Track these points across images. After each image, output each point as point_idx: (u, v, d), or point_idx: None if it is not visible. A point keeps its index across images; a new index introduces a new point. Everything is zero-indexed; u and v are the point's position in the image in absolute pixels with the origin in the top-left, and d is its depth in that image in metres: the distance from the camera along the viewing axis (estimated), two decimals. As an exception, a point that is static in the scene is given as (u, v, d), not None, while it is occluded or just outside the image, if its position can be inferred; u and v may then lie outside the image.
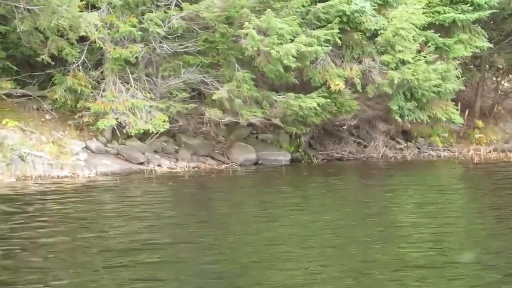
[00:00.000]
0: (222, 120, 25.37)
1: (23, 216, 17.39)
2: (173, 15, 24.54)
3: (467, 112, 30.20)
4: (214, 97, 24.67)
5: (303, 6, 25.25)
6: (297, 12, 25.14)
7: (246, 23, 23.98)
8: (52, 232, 16.00)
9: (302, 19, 25.37)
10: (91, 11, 23.68)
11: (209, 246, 14.06)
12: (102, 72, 24.95)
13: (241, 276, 11.66)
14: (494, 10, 28.82)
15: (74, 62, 24.25)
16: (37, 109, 25.21)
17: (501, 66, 32.85)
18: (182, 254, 13.41)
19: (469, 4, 28.26)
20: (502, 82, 34.11)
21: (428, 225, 15.82)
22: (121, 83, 24.83)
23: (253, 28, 23.85)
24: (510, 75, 33.91)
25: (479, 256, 12.44)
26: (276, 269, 12.14)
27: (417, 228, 15.49)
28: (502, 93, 33.94)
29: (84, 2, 23.73)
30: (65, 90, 24.29)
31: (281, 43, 23.98)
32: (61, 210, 18.48)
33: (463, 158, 29.70)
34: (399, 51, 26.41)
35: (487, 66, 32.72)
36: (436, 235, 14.77)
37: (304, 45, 24.28)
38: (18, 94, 25.08)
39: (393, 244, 14.11)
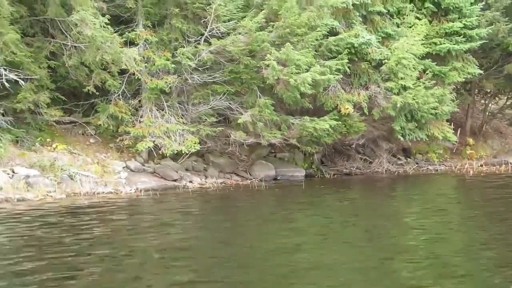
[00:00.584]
0: (246, 141, 25.39)
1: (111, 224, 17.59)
2: (203, 49, 24.56)
3: (459, 131, 30.29)
4: (239, 121, 24.67)
5: (317, 39, 25.29)
6: (311, 45, 25.12)
7: (268, 55, 24.06)
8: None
9: (316, 51, 25.37)
10: (130, 47, 23.89)
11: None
12: (140, 101, 25.08)
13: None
14: (484, 41, 29.24)
15: (115, 92, 24.39)
16: (82, 134, 25.27)
17: (489, 90, 33.02)
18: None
19: (462, 36, 28.67)
20: (490, 105, 34.17)
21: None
22: (157, 109, 24.92)
23: (274, 60, 23.92)
24: (497, 98, 34.02)
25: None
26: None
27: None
28: (489, 114, 34.04)
29: (124, 39, 24.01)
30: (107, 117, 24.38)
31: (298, 73, 24.01)
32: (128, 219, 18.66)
33: (458, 172, 29.84)
34: (401, 78, 26.64)
35: (477, 90, 32.87)
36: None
37: (318, 74, 24.34)
38: (66, 121, 25.06)
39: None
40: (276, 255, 13.09)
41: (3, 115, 23.23)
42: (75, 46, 23.54)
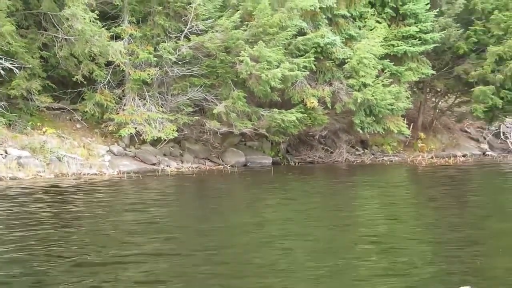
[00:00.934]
0: (219, 130, 25.61)
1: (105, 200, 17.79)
2: (183, 45, 24.72)
3: (411, 126, 30.48)
4: (214, 111, 24.93)
5: (286, 39, 25.46)
6: (282, 43, 25.30)
7: (242, 52, 24.26)
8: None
9: (285, 49, 25.54)
10: (117, 41, 24.07)
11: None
12: (123, 90, 25.10)
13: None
14: (437, 44, 29.41)
15: (101, 82, 24.48)
16: (70, 120, 25.41)
17: (439, 90, 33.24)
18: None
19: (417, 39, 28.82)
20: (440, 102, 34.40)
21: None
22: (139, 99, 25.08)
23: (247, 56, 24.14)
24: (446, 97, 34.35)
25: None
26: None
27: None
28: (439, 111, 34.23)
29: (111, 34, 24.08)
30: (93, 104, 24.54)
31: (269, 68, 24.22)
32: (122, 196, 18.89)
33: (411, 162, 29.84)
34: (362, 76, 26.85)
35: (428, 89, 33.14)
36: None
37: (287, 70, 24.54)
38: (55, 107, 25.21)
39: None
40: (244, 227, 13.39)
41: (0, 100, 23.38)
42: (65, 39, 23.68)
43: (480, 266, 9.76)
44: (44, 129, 24.06)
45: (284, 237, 12.46)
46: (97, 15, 23.50)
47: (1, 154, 22.23)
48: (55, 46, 24.04)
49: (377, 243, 11.73)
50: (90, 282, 9.08)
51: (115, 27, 24.68)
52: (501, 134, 35.83)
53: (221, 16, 25.37)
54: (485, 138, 35.78)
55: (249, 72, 24.39)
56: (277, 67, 24.54)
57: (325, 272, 9.57)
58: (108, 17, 24.94)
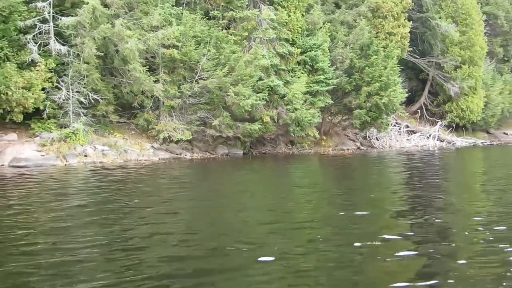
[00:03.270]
0: (214, 135, 26.75)
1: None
2: (194, 86, 26.11)
3: (318, 132, 30.63)
4: (212, 124, 26.17)
5: (253, 82, 26.66)
6: (251, 85, 26.52)
7: (229, 90, 25.68)
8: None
9: (252, 87, 26.65)
10: (157, 83, 25.34)
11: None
12: (159, 112, 26.22)
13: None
14: (334, 86, 30.53)
15: (147, 106, 25.86)
16: (128, 129, 26.45)
17: (333, 111, 32.32)
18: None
19: (323, 83, 30.00)
20: (333, 119, 33.47)
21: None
22: (169, 116, 26.29)
23: (232, 92, 25.56)
24: (337, 116, 33.63)
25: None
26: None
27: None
28: (333, 124, 34.70)
29: (153, 79, 25.20)
30: (143, 120, 25.99)
31: (244, 99, 25.75)
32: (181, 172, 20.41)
33: (323, 153, 30.71)
34: (294, 104, 28.20)
35: (328, 111, 33.17)
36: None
37: (254, 100, 26.21)
38: (120, 121, 26.28)
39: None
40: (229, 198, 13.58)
41: (91, 117, 24.50)
42: (128, 82, 25.08)
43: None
44: (114, 134, 25.31)
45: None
46: (147, 68, 25.07)
47: (92, 148, 23.65)
48: (121, 86, 25.30)
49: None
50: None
51: (156, 75, 25.66)
52: (367, 137, 36.33)
53: (216, 69, 26.14)
54: (358, 140, 36.00)
55: (232, 101, 25.77)
56: (248, 98, 25.91)
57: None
58: (152, 69, 25.80)
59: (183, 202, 12.75)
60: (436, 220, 10.23)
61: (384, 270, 7.04)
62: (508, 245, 7.93)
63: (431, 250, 7.89)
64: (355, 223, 9.85)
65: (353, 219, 10.05)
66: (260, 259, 7.28)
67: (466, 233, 9.06)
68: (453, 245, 8.46)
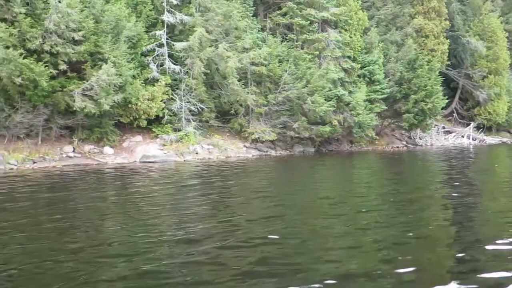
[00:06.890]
0: (294, 136, 26.42)
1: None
2: (278, 96, 25.84)
3: (374, 133, 29.74)
4: (293, 127, 25.76)
5: (325, 93, 26.19)
6: (323, 95, 26.18)
7: (308, 99, 25.60)
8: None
9: (324, 97, 26.16)
10: (249, 94, 25.48)
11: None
12: (250, 117, 25.92)
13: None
14: (387, 94, 30.28)
15: (241, 113, 26.03)
16: (223, 131, 26.51)
17: (384, 116, 31.98)
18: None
19: (379, 92, 29.75)
20: (384, 122, 32.42)
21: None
22: (258, 121, 26.05)
23: (310, 100, 25.56)
24: (388, 119, 32.33)
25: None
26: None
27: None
28: (385, 126, 32.66)
29: (246, 91, 25.22)
30: (237, 124, 26.19)
31: (319, 106, 25.60)
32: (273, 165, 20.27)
33: (380, 150, 29.31)
34: (357, 109, 27.97)
35: (382, 115, 31.57)
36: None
37: (327, 107, 25.95)
38: (219, 125, 26.49)
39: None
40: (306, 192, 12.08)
41: (198, 122, 24.72)
42: (226, 93, 25.41)
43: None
44: (214, 136, 25.44)
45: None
46: (242, 83, 25.40)
47: (201, 147, 23.92)
48: (220, 97, 25.74)
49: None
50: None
51: (245, 87, 25.84)
52: (411, 137, 35.85)
53: (296, 82, 26.33)
54: (404, 139, 35.41)
55: (309, 108, 26.18)
56: (322, 105, 26.13)
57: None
58: (244, 83, 26.01)
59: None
60: None
61: None
62: None
63: None
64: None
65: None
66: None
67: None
68: None
